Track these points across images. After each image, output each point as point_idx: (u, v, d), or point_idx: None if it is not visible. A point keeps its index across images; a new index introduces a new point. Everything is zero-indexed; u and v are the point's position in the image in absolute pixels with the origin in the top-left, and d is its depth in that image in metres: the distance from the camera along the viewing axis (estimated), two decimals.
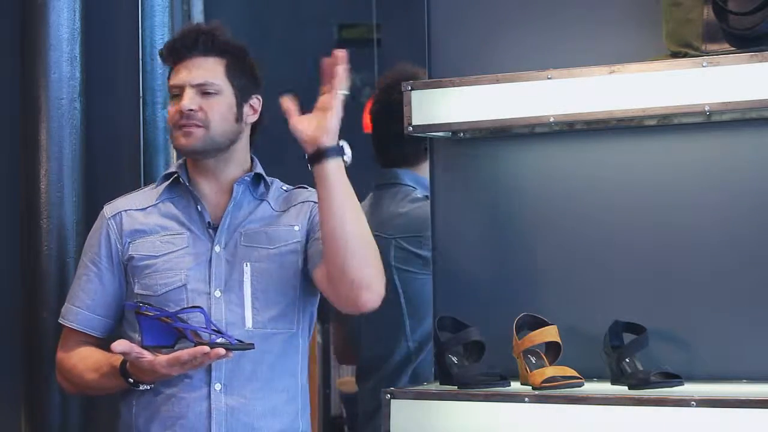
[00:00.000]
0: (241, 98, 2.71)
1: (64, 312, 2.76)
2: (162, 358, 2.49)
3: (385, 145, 3.37)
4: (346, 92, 2.55)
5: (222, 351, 2.47)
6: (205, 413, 2.61)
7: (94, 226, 2.78)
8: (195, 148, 2.66)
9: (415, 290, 3.25)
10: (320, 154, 2.52)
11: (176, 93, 2.68)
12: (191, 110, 2.63)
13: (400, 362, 3.41)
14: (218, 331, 2.53)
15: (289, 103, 2.55)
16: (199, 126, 2.65)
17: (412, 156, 3.33)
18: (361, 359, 3.58)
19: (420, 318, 3.26)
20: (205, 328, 2.52)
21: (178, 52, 2.68)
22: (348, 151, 2.57)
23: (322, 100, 2.54)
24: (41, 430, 3.16)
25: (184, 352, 2.48)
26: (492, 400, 2.69)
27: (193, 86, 2.65)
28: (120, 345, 2.50)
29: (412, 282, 3.28)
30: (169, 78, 2.73)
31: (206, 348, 2.46)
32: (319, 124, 2.52)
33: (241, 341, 2.54)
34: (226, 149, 2.70)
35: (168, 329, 2.52)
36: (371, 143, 3.57)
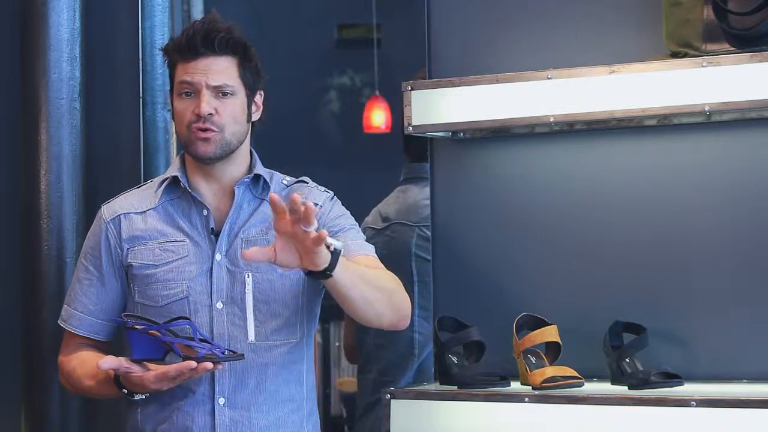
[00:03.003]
0: (250, 97, 2.67)
1: (65, 316, 2.72)
2: (150, 373, 2.47)
3: (414, 140, 3.35)
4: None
5: (209, 365, 2.44)
6: (209, 428, 2.59)
7: (92, 227, 2.74)
8: (214, 155, 2.61)
9: (428, 278, 3.26)
10: (318, 274, 2.38)
11: (188, 91, 2.60)
12: (210, 114, 2.59)
13: (403, 354, 3.41)
14: (205, 341, 2.51)
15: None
16: (214, 131, 2.59)
17: None
18: (364, 348, 3.59)
19: (431, 310, 3.27)
20: (193, 339, 2.49)
21: (192, 49, 2.60)
22: (338, 245, 2.36)
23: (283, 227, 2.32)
24: (41, 430, 3.16)
25: (171, 368, 2.45)
26: (492, 400, 2.69)
27: (210, 87, 2.59)
28: (107, 362, 2.48)
29: (428, 271, 3.29)
30: (173, 73, 2.65)
31: (193, 363, 2.43)
32: (298, 256, 2.32)
33: (233, 351, 2.52)
34: (235, 150, 2.66)
35: (157, 342, 2.49)
36: (367, 142, 3.58)
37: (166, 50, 2.67)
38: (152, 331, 2.49)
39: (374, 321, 2.58)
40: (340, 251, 2.37)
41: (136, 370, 2.49)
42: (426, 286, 3.26)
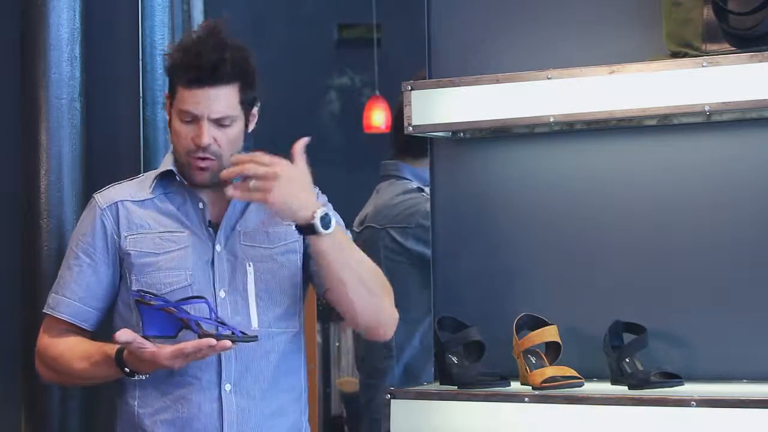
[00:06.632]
0: (248, 113, 2.67)
1: (52, 303, 2.69)
2: (165, 350, 2.46)
3: (391, 138, 3.36)
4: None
5: (228, 343, 2.44)
6: (216, 414, 2.59)
7: (84, 215, 2.72)
8: (209, 182, 2.64)
9: (398, 281, 3.26)
10: (306, 229, 2.50)
11: (188, 120, 2.59)
12: (209, 144, 2.59)
13: (381, 357, 3.41)
14: (222, 323, 2.51)
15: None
16: (212, 159, 2.60)
17: (415, 149, 3.33)
18: (350, 352, 3.62)
19: (406, 310, 3.26)
20: (209, 318, 2.50)
21: (199, 78, 2.57)
22: (333, 218, 2.50)
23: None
24: (41, 430, 3.16)
25: (189, 344, 2.44)
26: (492, 400, 2.69)
27: (211, 120, 2.58)
28: (124, 334, 2.46)
29: (396, 272, 3.29)
30: (174, 95, 2.62)
31: (212, 340, 2.43)
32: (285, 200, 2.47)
33: (244, 333, 2.52)
34: None
35: (170, 319, 2.49)
36: (367, 142, 3.59)
37: (172, 65, 2.62)
38: (168, 308, 2.49)
39: (350, 312, 2.60)
40: (327, 216, 2.46)
41: (149, 346, 2.47)
42: (400, 287, 3.27)
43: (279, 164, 2.47)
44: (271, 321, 2.63)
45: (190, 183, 2.66)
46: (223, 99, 2.59)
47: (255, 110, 2.70)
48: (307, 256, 2.69)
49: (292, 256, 2.68)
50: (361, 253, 2.62)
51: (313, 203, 2.48)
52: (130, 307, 2.64)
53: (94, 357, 2.60)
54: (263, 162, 2.46)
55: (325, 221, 2.47)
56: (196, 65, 2.57)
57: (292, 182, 2.46)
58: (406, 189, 3.34)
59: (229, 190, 2.47)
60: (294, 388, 2.69)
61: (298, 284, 2.69)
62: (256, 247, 2.66)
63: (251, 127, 2.71)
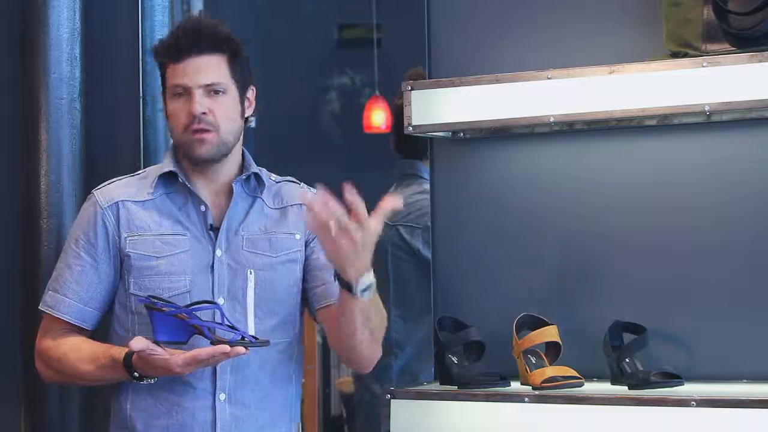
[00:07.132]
0: (242, 93, 2.66)
1: (51, 302, 2.66)
2: (179, 357, 2.44)
3: (407, 138, 3.37)
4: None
5: (242, 349, 2.43)
6: (210, 424, 2.58)
7: (84, 212, 2.69)
8: (211, 156, 2.61)
9: (402, 279, 3.26)
10: (344, 283, 2.45)
11: (179, 92, 2.60)
12: (204, 114, 2.58)
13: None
14: (233, 327, 2.50)
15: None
16: (209, 131, 2.59)
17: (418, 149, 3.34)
18: None
19: (405, 308, 3.26)
20: (221, 324, 2.49)
21: (180, 51, 2.60)
22: (372, 287, 2.46)
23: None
24: (41, 429, 3.16)
25: (203, 351, 2.43)
26: (492, 400, 2.69)
27: (201, 87, 2.58)
28: (138, 342, 2.45)
29: (400, 270, 3.29)
30: (165, 74, 2.64)
31: (226, 347, 2.42)
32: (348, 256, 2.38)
33: (256, 338, 2.51)
34: (232, 149, 2.66)
35: (182, 325, 2.48)
36: (367, 142, 3.59)
37: (155, 52, 2.67)
38: (180, 314, 2.48)
39: (347, 344, 2.58)
40: (370, 286, 2.43)
41: (160, 352, 2.47)
42: (403, 285, 3.27)
43: (361, 228, 2.35)
44: (267, 331, 2.61)
45: (192, 161, 2.63)
46: (211, 67, 2.61)
47: (251, 95, 2.70)
48: (307, 268, 2.69)
49: (293, 266, 2.67)
50: (381, 306, 2.59)
51: (364, 268, 2.41)
52: (125, 307, 2.63)
53: (100, 360, 2.58)
54: (356, 216, 2.35)
55: (365, 290, 2.44)
56: (176, 38, 2.62)
57: (359, 246, 2.37)
58: (423, 189, 3.34)
59: (308, 198, 2.37)
60: (287, 398, 2.68)
61: (297, 295, 2.68)
62: (258, 254, 2.65)
63: (249, 111, 2.70)
